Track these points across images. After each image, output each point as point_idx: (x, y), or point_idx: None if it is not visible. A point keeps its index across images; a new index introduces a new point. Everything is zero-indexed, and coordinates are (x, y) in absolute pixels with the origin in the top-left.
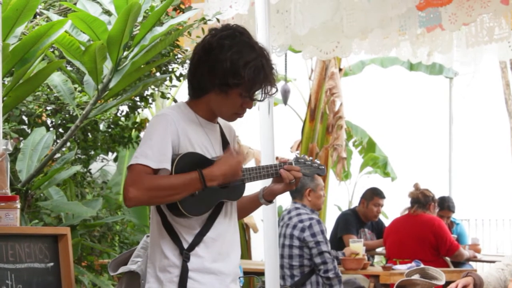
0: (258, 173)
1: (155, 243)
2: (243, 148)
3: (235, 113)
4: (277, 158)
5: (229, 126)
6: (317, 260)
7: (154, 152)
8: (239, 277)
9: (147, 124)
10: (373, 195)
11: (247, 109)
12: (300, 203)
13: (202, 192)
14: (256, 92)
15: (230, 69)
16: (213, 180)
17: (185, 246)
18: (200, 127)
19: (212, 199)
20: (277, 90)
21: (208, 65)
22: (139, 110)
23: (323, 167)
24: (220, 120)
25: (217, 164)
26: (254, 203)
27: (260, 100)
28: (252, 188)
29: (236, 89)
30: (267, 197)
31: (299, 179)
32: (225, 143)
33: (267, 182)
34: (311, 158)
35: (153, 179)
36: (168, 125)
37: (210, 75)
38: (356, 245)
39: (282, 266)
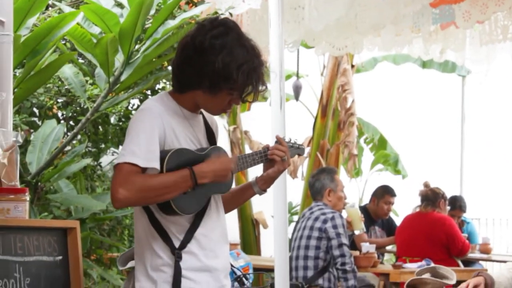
0: (245, 161)
1: (143, 242)
2: (253, 143)
3: (222, 110)
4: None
5: (210, 115)
6: (336, 252)
7: (142, 150)
8: (249, 273)
9: (132, 118)
10: (384, 193)
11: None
12: (321, 202)
13: (193, 189)
14: (247, 92)
15: (222, 73)
16: (204, 177)
17: (176, 244)
18: (184, 119)
19: (203, 195)
20: (266, 87)
21: (198, 65)
22: None
23: (302, 146)
24: None
25: (207, 162)
26: (247, 192)
27: (250, 101)
28: None
29: (226, 90)
30: (262, 185)
31: (289, 156)
32: (209, 133)
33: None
34: (290, 138)
35: (145, 179)
36: (154, 120)
37: (200, 76)
38: (351, 211)
39: (296, 257)
